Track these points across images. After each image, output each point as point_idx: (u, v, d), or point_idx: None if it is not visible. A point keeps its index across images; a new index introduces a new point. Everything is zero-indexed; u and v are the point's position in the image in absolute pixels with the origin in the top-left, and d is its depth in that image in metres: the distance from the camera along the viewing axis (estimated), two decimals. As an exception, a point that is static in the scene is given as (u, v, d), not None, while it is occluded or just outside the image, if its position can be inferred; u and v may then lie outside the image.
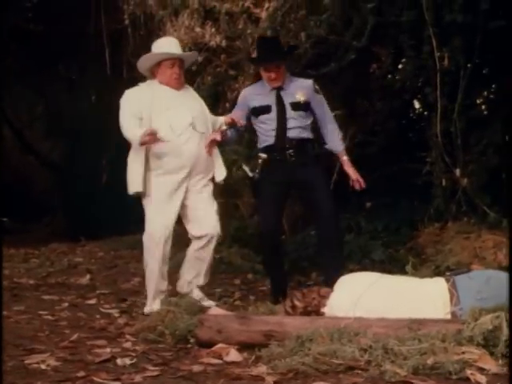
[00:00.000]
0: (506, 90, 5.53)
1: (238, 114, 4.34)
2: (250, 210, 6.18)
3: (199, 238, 4.11)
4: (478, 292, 3.07)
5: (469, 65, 5.30)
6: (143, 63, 4.29)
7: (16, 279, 5.28)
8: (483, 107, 5.88)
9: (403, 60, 5.78)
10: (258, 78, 4.67)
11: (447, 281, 3.25)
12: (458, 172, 5.38)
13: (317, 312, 3.33)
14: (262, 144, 4.33)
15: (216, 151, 4.26)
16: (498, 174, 5.51)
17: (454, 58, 5.26)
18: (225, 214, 6.38)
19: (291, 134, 4.24)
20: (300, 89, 4.31)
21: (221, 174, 4.26)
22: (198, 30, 5.98)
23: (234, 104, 6.40)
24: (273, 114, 4.27)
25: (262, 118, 4.29)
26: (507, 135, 4.93)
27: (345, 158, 4.34)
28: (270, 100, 4.28)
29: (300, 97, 4.29)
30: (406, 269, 4.48)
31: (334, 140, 4.34)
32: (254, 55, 4.30)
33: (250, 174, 4.35)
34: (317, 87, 4.38)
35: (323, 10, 5.62)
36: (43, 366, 2.81)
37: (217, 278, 5.25)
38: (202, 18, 6.20)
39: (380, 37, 5.67)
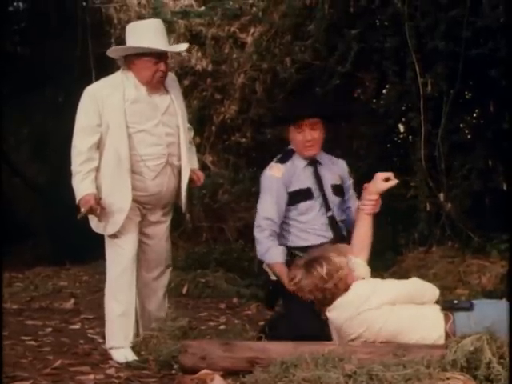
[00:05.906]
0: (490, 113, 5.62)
1: (276, 217, 3.22)
2: (235, 233, 6.17)
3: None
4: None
5: (451, 91, 5.38)
6: (116, 52, 3.51)
7: None
8: (466, 132, 5.94)
9: (387, 85, 5.84)
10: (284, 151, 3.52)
11: (446, 319, 3.10)
12: (441, 196, 5.43)
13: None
14: (296, 243, 3.35)
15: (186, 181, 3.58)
16: (481, 199, 5.56)
17: (437, 83, 5.35)
18: (210, 238, 6.40)
19: (340, 229, 3.37)
20: (336, 167, 3.48)
21: (184, 203, 3.61)
22: (184, 54, 6.02)
23: (219, 128, 6.48)
24: (315, 201, 3.35)
25: (301, 206, 3.34)
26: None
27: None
28: (307, 180, 3.34)
29: (339, 178, 3.43)
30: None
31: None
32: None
33: (273, 278, 3.39)
34: (349, 170, 3.58)
35: (308, 35, 5.70)
36: (25, 394, 2.79)
37: (202, 303, 5.24)
38: (188, 43, 6.24)
39: (364, 62, 5.75)
